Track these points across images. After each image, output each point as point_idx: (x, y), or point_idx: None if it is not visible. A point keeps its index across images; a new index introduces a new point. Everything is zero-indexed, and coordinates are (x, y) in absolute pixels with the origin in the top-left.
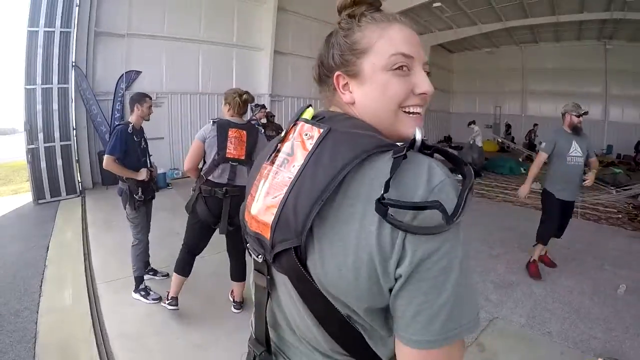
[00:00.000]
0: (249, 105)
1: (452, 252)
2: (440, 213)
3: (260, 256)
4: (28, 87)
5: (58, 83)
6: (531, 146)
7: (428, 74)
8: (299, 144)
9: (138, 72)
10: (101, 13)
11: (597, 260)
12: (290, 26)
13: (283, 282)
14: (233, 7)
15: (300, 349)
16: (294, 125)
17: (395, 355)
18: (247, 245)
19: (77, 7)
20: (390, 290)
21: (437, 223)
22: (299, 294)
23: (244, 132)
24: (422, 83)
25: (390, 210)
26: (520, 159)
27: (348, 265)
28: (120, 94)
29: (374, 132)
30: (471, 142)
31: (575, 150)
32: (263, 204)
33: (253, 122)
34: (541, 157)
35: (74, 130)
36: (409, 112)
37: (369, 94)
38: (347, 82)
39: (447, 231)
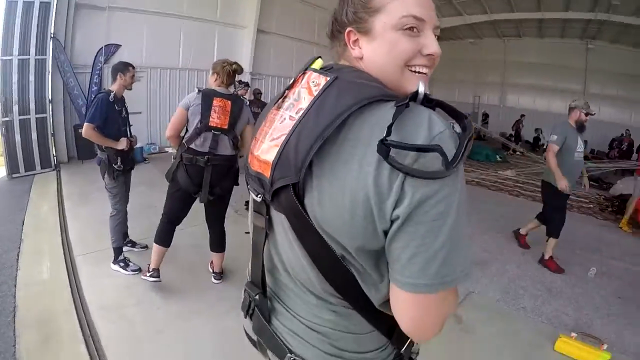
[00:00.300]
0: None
1: (450, 197)
2: (440, 158)
3: (259, 195)
4: (4, 58)
5: (36, 55)
6: (517, 136)
7: (438, 37)
8: (306, 91)
9: (118, 46)
10: None
11: (569, 245)
12: (275, 6)
13: (280, 222)
14: None
15: (294, 290)
16: (303, 74)
17: (386, 301)
18: (248, 186)
19: None
20: (385, 232)
21: (437, 168)
22: (295, 231)
23: (229, 102)
24: (431, 44)
25: (391, 153)
26: (514, 150)
27: (345, 205)
28: (98, 67)
29: (378, 84)
30: None
31: (580, 146)
32: (267, 144)
33: None
34: (554, 148)
35: (50, 103)
36: (415, 71)
37: (377, 50)
38: (357, 38)
39: (446, 177)
